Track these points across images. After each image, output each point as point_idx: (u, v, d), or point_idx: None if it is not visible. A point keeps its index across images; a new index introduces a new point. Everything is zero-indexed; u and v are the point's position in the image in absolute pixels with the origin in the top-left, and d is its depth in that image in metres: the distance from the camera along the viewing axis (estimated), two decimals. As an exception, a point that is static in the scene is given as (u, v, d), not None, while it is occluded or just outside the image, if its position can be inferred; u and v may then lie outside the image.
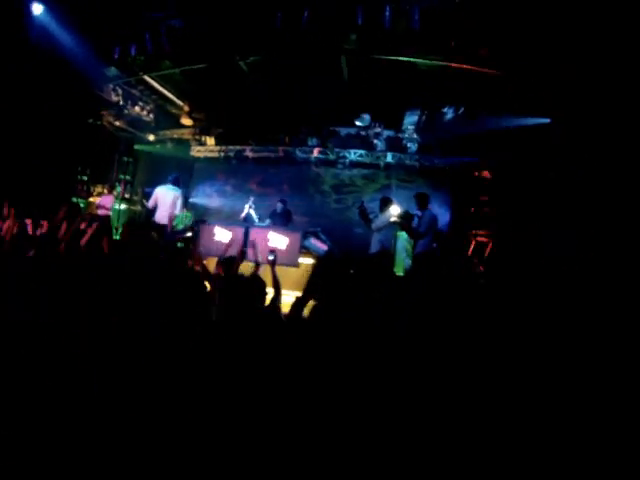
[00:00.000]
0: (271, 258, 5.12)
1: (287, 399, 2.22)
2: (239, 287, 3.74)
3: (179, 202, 8.70)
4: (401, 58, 8.02)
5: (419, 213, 7.33)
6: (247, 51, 8.61)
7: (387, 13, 7.05)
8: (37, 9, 7.04)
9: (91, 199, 10.55)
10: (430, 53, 7.75)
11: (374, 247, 7.77)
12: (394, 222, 7.70)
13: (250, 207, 10.76)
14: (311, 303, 3.44)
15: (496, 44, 6.96)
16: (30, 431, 2.13)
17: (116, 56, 8.52)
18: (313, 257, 8.68)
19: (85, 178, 10.51)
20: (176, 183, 8.79)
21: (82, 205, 10.20)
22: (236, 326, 3.01)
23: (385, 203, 7.92)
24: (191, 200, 14.02)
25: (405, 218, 7.41)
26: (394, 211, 7.61)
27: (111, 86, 10.18)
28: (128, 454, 2.06)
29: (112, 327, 2.88)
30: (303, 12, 7.49)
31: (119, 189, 11.77)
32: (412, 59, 7.99)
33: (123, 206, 11.90)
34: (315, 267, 8.32)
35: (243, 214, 10.81)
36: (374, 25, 7.24)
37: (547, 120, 8.24)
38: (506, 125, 9.00)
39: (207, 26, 7.95)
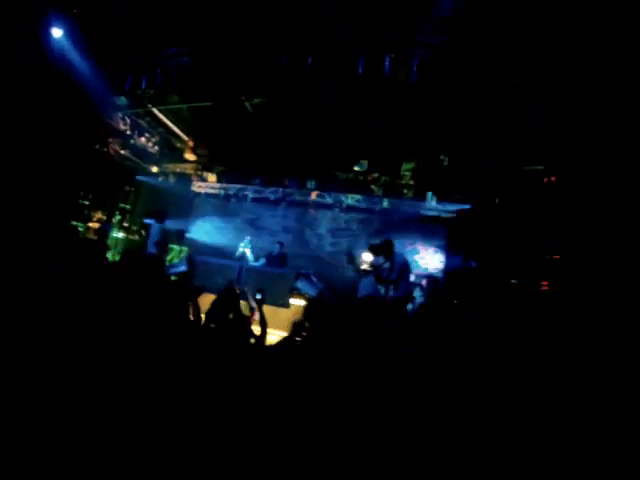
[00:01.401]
0: (259, 297, 5.24)
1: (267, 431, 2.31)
2: (226, 324, 3.89)
3: None
4: (398, 107, 8.36)
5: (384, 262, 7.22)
6: (252, 92, 8.95)
7: (387, 63, 7.40)
8: (57, 32, 7.39)
9: (90, 224, 10.72)
10: (426, 103, 8.09)
11: (363, 291, 7.76)
12: (364, 270, 7.73)
13: (245, 247, 10.90)
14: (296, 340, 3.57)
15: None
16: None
17: (127, 87, 8.85)
18: (304, 299, 8.77)
19: (86, 203, 10.71)
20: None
21: (80, 229, 10.35)
22: (220, 359, 3.12)
23: (387, 245, 7.73)
24: (188, 235, 14.18)
25: (375, 267, 7.43)
26: (366, 258, 7.63)
27: (120, 115, 10.54)
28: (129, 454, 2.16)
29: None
30: (307, 59, 7.86)
31: (118, 217, 11.95)
32: (409, 108, 8.34)
33: (121, 234, 12.06)
34: (305, 309, 8.44)
35: (238, 253, 10.94)
36: (374, 75, 7.56)
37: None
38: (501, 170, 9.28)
39: (215, 66, 8.32)
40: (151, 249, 9.08)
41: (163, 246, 9.93)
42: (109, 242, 10.86)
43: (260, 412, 2.37)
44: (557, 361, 3.63)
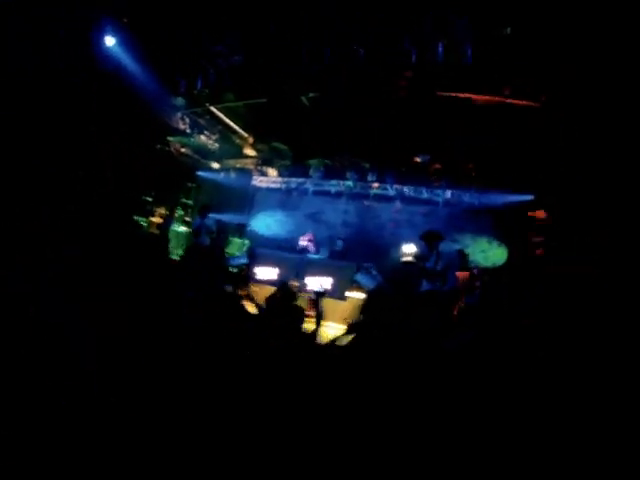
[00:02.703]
0: (320, 291, 5.22)
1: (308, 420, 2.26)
2: (282, 313, 3.86)
3: None
4: (457, 94, 8.00)
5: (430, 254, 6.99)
6: (306, 87, 8.86)
7: (440, 49, 7.09)
8: (110, 41, 7.62)
9: (152, 219, 11.07)
10: (484, 88, 7.70)
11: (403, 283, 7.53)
12: (406, 262, 7.48)
13: (307, 240, 10.91)
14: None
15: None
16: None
17: (182, 88, 9.04)
18: (363, 292, 8.67)
19: (149, 199, 11.05)
20: None
21: (144, 224, 10.71)
22: (273, 348, 3.10)
23: (431, 236, 7.47)
24: (250, 229, 14.37)
25: (419, 259, 7.19)
26: (407, 250, 7.39)
27: (179, 115, 10.79)
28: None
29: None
30: (359, 51, 7.67)
31: (181, 212, 12.28)
32: (468, 95, 7.96)
33: (183, 228, 12.38)
34: (365, 302, 8.36)
35: (300, 245, 10.98)
36: (428, 62, 7.28)
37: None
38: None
39: (267, 62, 8.29)
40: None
41: (217, 238, 10.11)
42: (170, 236, 11.14)
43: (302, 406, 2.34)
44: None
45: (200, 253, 8.31)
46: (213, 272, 7.47)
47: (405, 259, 7.66)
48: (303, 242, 10.97)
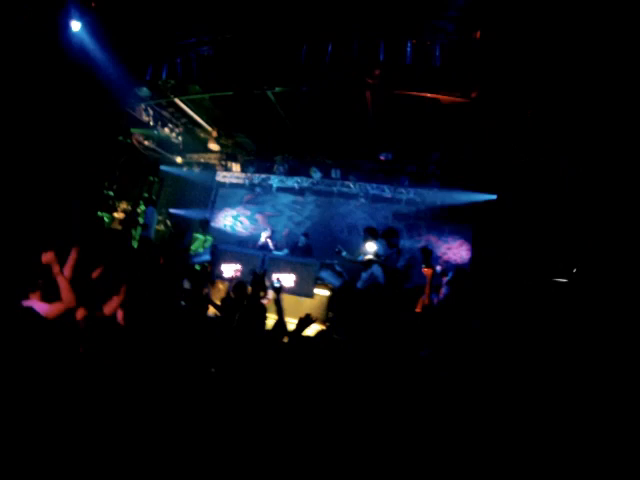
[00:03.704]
0: (277, 286, 5.20)
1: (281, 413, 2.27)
2: (244, 312, 3.85)
3: None
4: (422, 94, 8.13)
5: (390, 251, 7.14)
6: (273, 81, 8.83)
7: (408, 49, 7.18)
8: (75, 26, 7.38)
9: (115, 214, 10.81)
10: (450, 90, 7.85)
11: (366, 281, 7.62)
12: (367, 260, 7.62)
13: (268, 236, 10.90)
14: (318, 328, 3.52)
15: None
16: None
17: (148, 77, 8.83)
18: (328, 289, 8.73)
19: (111, 194, 10.79)
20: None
21: (106, 220, 10.46)
22: (237, 347, 3.10)
23: (369, 234, 7.76)
24: (212, 224, 14.24)
25: (379, 257, 7.31)
26: (369, 248, 7.51)
27: (143, 106, 10.56)
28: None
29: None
30: (327, 47, 7.69)
31: (143, 207, 12.04)
32: (434, 95, 8.10)
33: (146, 224, 12.16)
34: (330, 298, 8.43)
35: (260, 242, 10.96)
36: (396, 61, 7.36)
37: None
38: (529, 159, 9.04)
39: (235, 55, 8.21)
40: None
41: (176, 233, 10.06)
42: (134, 232, 10.92)
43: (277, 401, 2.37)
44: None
45: (155, 247, 8.17)
46: (172, 270, 7.39)
47: (366, 257, 7.74)
48: (262, 238, 10.96)
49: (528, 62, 6.56)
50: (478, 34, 6.66)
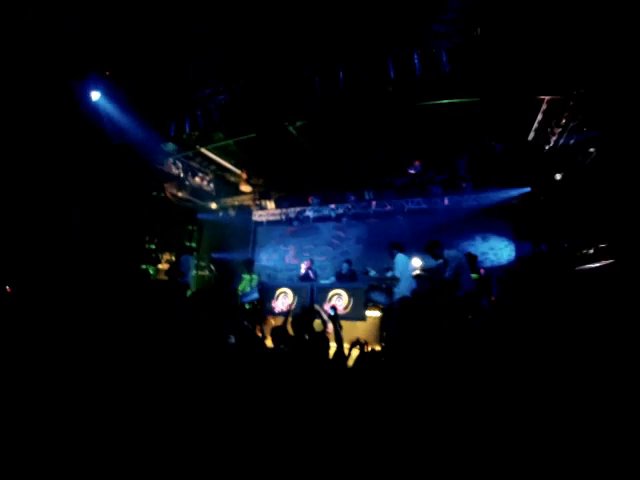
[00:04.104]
0: (332, 313, 5.22)
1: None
2: (306, 344, 3.87)
3: None
4: (438, 102, 8.11)
5: (436, 263, 7.13)
6: (292, 116, 9.00)
7: (416, 60, 7.20)
8: (95, 96, 7.76)
9: (160, 266, 11.13)
10: (464, 92, 7.81)
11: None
12: (417, 276, 7.56)
13: (308, 267, 10.95)
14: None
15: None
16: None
17: (172, 133, 9.16)
18: (379, 309, 8.69)
19: (153, 247, 11.12)
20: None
21: (151, 272, 10.77)
22: (303, 378, 3.12)
23: (393, 248, 8.01)
24: (258, 263, 14.41)
25: (428, 271, 7.28)
26: (416, 264, 7.46)
27: (171, 160, 10.95)
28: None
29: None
30: (339, 73, 7.80)
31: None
32: (449, 100, 8.07)
33: (192, 272, 12.44)
34: (381, 318, 8.38)
35: (301, 273, 11.02)
36: (406, 74, 7.37)
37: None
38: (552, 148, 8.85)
39: (251, 98, 8.43)
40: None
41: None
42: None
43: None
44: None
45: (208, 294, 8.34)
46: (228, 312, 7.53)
47: (415, 273, 7.69)
48: (302, 270, 11.02)
49: (531, 50, 6.47)
50: (478, 31, 6.61)
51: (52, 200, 7.76)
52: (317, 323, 7.65)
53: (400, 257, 7.79)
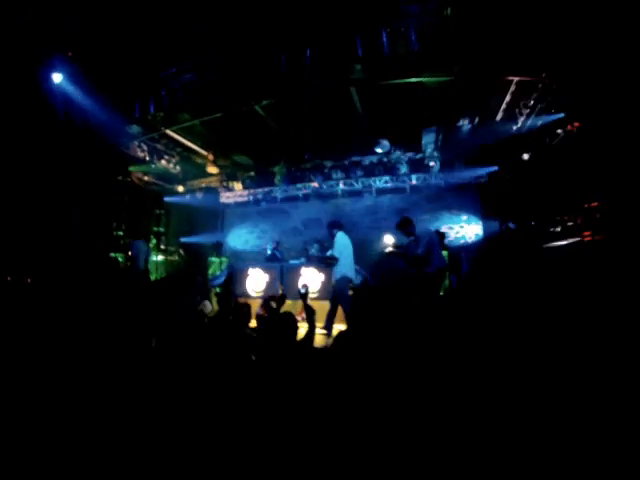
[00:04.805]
0: (302, 292, 5.23)
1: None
2: (276, 325, 3.87)
3: None
4: (406, 80, 8.13)
5: (408, 240, 7.23)
6: (259, 96, 8.88)
7: (384, 39, 7.19)
8: (57, 78, 7.50)
9: (129, 252, 10.95)
10: (433, 71, 7.85)
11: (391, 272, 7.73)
12: (389, 252, 7.66)
13: (275, 248, 10.96)
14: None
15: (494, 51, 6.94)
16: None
17: (137, 114, 8.93)
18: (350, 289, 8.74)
19: (121, 233, 10.91)
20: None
21: (120, 260, 10.56)
22: (272, 359, 3.13)
23: (332, 227, 8.03)
24: (226, 246, 14.34)
25: (399, 247, 7.40)
26: (388, 240, 7.56)
27: (136, 143, 10.67)
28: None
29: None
30: (305, 51, 7.73)
31: (154, 241, 12.17)
32: (417, 79, 8.10)
33: (160, 257, 12.26)
34: (354, 297, 8.44)
35: (268, 254, 11.02)
36: (374, 53, 7.36)
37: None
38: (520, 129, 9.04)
39: (217, 77, 8.29)
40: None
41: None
42: (150, 267, 11.04)
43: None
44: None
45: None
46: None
47: (387, 250, 7.76)
48: (269, 250, 11.04)
49: (501, 32, 6.55)
50: (449, 11, 6.64)
51: (16, 188, 7.51)
52: (290, 304, 7.73)
53: (340, 236, 7.82)
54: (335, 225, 8.02)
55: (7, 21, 6.37)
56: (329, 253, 8.14)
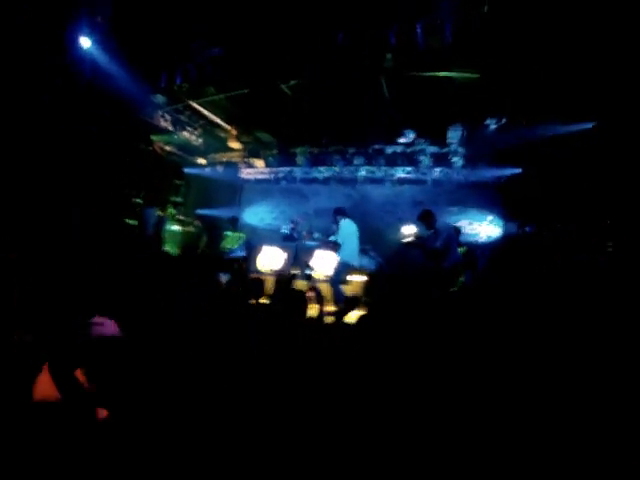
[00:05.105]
0: (307, 273, 5.26)
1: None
2: (288, 302, 3.89)
3: None
4: (437, 74, 7.99)
5: (428, 233, 7.25)
6: (287, 75, 8.80)
7: (419, 31, 7.04)
8: (85, 42, 7.51)
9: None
10: (465, 67, 7.69)
11: (410, 263, 7.76)
12: (407, 243, 7.64)
13: (292, 227, 10.94)
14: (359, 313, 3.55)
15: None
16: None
17: (162, 84, 8.95)
18: (364, 274, 8.72)
19: (139, 201, 10.98)
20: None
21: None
22: (282, 337, 3.15)
23: (337, 214, 8.20)
24: (242, 221, 14.35)
25: (420, 239, 7.40)
26: (407, 231, 7.55)
27: (160, 113, 10.69)
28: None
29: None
30: (338, 35, 7.61)
31: (172, 210, 12.24)
32: (448, 74, 7.95)
33: (176, 227, 12.34)
34: (366, 284, 8.46)
35: (285, 233, 11.02)
36: (408, 44, 7.23)
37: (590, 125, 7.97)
38: (549, 133, 8.81)
39: (246, 53, 8.21)
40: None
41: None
42: (166, 235, 11.16)
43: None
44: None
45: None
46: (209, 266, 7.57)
47: (406, 240, 7.75)
48: (287, 230, 11.04)
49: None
50: (486, 8, 6.47)
51: (37, 152, 7.58)
52: (303, 284, 7.77)
53: (345, 223, 8.02)
54: (340, 212, 8.19)
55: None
56: (332, 238, 8.18)
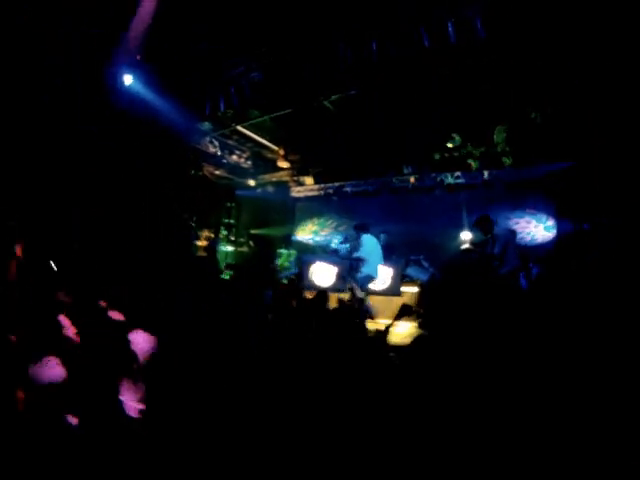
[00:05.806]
0: (348, 288, 5.24)
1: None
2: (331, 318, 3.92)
3: None
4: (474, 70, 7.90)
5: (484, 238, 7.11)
6: (327, 91, 8.92)
7: (450, 29, 6.96)
8: (127, 79, 7.91)
9: (198, 242, 11.42)
10: (502, 58, 7.55)
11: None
12: (465, 249, 7.50)
13: (341, 242, 10.97)
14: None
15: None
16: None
17: (207, 112, 9.27)
18: (416, 285, 8.65)
19: (193, 224, 11.38)
20: None
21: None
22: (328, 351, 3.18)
23: (358, 230, 8.26)
24: (294, 238, 14.52)
25: (477, 245, 7.24)
26: (464, 237, 7.44)
27: (208, 139, 11.09)
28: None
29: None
30: (371, 45, 7.64)
31: (224, 232, 12.61)
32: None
33: (230, 248, 12.67)
34: (419, 295, 8.36)
35: (334, 248, 11.07)
36: (440, 43, 7.15)
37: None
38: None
39: (284, 74, 8.38)
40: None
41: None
42: (219, 256, 11.50)
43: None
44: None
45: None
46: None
47: (464, 247, 7.65)
48: (335, 245, 11.09)
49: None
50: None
51: (105, 189, 8.06)
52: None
53: (366, 238, 8.06)
54: (361, 228, 8.24)
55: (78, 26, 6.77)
56: (355, 254, 8.15)
